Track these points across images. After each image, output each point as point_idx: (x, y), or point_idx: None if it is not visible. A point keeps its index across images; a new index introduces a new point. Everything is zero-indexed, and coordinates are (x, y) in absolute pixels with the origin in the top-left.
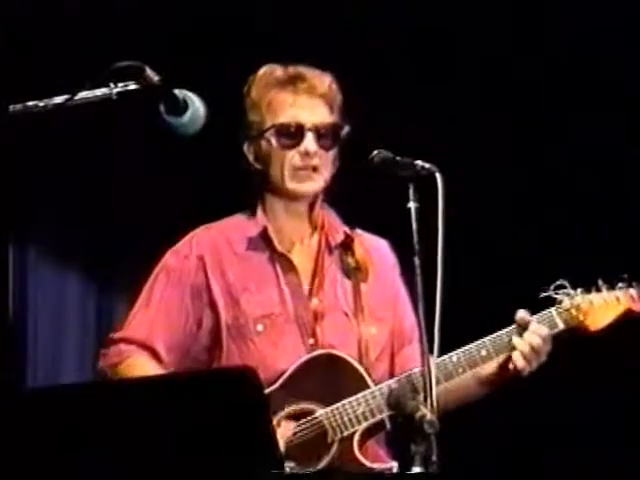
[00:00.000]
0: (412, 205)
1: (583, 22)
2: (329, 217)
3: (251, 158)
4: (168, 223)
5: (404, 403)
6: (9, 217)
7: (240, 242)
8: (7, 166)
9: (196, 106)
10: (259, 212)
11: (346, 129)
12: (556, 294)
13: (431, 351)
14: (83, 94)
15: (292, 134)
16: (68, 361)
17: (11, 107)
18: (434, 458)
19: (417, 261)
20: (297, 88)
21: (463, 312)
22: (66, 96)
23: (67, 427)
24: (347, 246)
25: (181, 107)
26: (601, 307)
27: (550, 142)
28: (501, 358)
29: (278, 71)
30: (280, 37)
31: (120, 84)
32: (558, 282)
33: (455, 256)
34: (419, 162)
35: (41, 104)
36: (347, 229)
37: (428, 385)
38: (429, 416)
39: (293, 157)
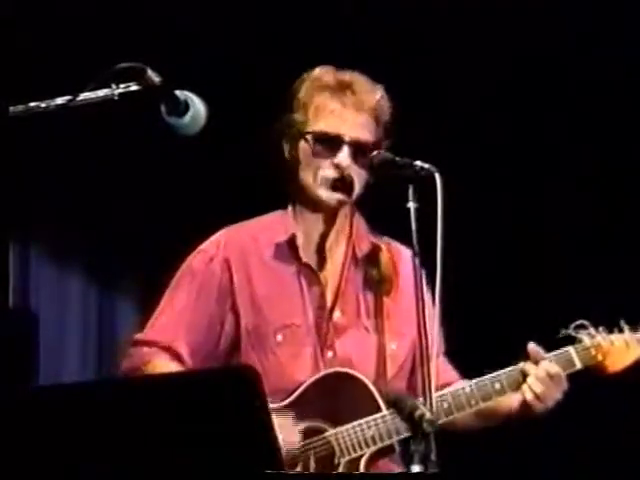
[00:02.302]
0: (411, 205)
1: (584, 21)
2: (358, 226)
3: (287, 156)
4: (169, 223)
5: (403, 402)
6: (10, 217)
7: (268, 247)
8: (7, 166)
9: (197, 107)
10: (290, 214)
11: (386, 143)
12: (576, 333)
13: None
14: (85, 95)
15: (329, 144)
16: (70, 360)
17: (13, 108)
18: (433, 457)
19: (416, 262)
20: (346, 99)
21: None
22: (68, 97)
23: (68, 426)
24: (373, 257)
25: (182, 108)
26: (622, 348)
27: (551, 142)
28: (518, 395)
29: (331, 76)
30: (280, 37)
31: (122, 85)
32: (579, 322)
33: (456, 258)
34: (418, 162)
35: (43, 105)
36: (373, 238)
37: (427, 385)
38: (428, 415)
39: (326, 167)
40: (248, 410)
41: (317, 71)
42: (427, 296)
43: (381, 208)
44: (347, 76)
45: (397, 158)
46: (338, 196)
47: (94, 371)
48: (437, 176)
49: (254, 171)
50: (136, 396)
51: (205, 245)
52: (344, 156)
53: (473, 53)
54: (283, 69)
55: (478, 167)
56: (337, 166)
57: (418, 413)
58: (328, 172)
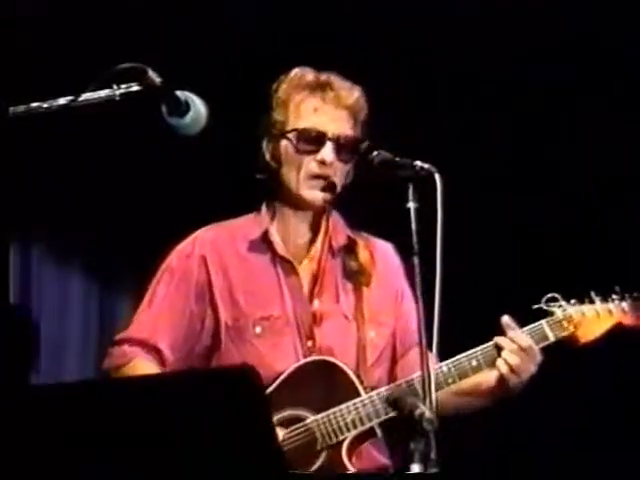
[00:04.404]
0: (411, 205)
1: (584, 21)
2: (334, 221)
3: (268, 156)
4: (170, 223)
5: (403, 401)
6: (10, 217)
7: (242, 243)
8: (7, 166)
9: (198, 107)
10: (263, 213)
11: (365, 144)
12: (548, 306)
13: (430, 349)
14: (86, 95)
15: (312, 141)
16: (70, 360)
17: (14, 108)
18: (433, 456)
19: (416, 261)
20: (325, 96)
21: (454, 317)
22: (70, 97)
23: (68, 425)
24: (350, 249)
25: (183, 108)
26: (593, 319)
27: (551, 142)
28: (495, 372)
29: (309, 75)
30: (280, 37)
31: (123, 85)
32: (550, 295)
33: (452, 258)
34: (418, 162)
35: (45, 105)
36: (350, 233)
37: (427, 383)
38: (428, 413)
39: (309, 164)
40: (248, 410)
41: (295, 71)
42: (407, 290)
43: (381, 208)
44: (325, 75)
45: (397, 158)
46: (322, 196)
47: (94, 371)
48: (437, 176)
49: (253, 171)
50: (136, 396)
51: (181, 246)
52: (327, 152)
53: (473, 53)
54: (283, 69)
55: (478, 167)
56: (321, 162)
57: (418, 412)
58: (312, 168)
